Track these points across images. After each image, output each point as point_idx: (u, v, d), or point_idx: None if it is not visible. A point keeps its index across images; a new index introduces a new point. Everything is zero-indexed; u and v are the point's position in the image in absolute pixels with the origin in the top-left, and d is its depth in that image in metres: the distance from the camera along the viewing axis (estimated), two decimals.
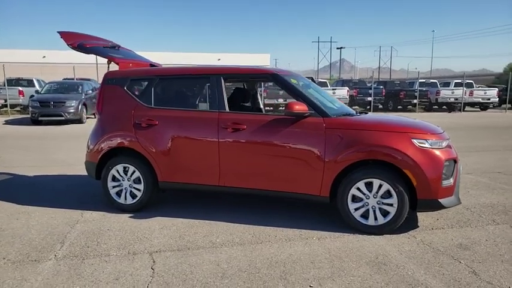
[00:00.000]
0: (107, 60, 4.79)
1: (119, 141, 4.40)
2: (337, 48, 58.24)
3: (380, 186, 3.72)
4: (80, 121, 15.43)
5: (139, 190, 4.41)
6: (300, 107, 3.83)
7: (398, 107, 22.02)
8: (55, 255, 3.35)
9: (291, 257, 3.30)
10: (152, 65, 5.18)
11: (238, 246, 3.54)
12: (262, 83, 15.83)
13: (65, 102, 15.07)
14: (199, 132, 4.18)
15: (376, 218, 3.77)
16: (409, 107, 22.12)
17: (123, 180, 4.45)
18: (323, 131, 3.83)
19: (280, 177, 3.99)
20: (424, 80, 25.00)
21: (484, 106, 22.91)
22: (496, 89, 22.92)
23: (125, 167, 4.42)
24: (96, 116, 4.74)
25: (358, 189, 3.78)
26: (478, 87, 24.33)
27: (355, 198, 3.82)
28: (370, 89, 21.73)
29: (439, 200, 3.67)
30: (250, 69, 4.46)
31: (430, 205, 3.70)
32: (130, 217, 4.31)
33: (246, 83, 5.41)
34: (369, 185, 3.76)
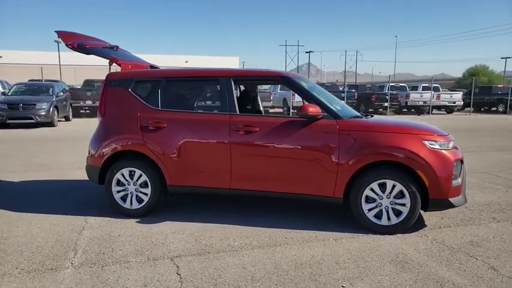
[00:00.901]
0: (108, 61, 4.65)
1: (125, 144, 4.28)
2: (306, 52, 58.96)
3: (393, 186, 3.80)
4: (51, 124, 14.87)
5: (146, 194, 4.30)
6: (313, 109, 3.87)
7: (370, 109, 22.58)
8: (71, 263, 3.21)
9: (314, 258, 3.32)
10: (152, 66, 5.07)
11: (258, 249, 3.52)
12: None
13: (35, 105, 14.50)
14: (210, 135, 4.13)
15: (389, 218, 3.86)
16: (380, 109, 22.73)
17: (129, 185, 4.32)
18: (337, 133, 3.88)
19: (293, 180, 4.00)
20: (394, 84, 25.77)
21: (450, 109, 23.93)
22: (461, 92, 24.00)
23: (130, 171, 4.30)
24: (98, 118, 4.58)
25: (372, 190, 3.85)
26: (442, 91, 25.37)
27: (368, 199, 3.89)
28: (343, 92, 22.18)
29: (450, 199, 3.79)
30: (261, 72, 4.46)
31: (441, 204, 3.83)
32: (137, 222, 4.19)
33: (254, 85, 5.41)
34: (382, 186, 3.84)
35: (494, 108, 25.93)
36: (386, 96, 22.17)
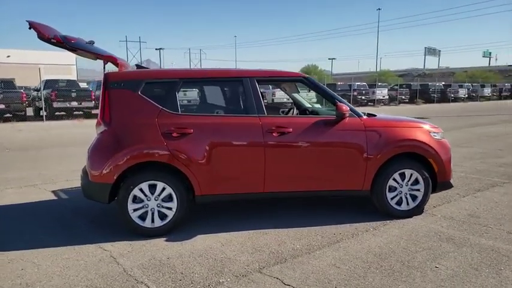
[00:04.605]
0: (103, 60, 3.97)
1: (146, 154, 3.75)
2: (156, 49, 57.75)
3: (411, 175, 4.28)
4: None
5: (170, 209, 3.86)
6: (345, 108, 4.07)
7: None
8: None
9: (383, 248, 3.54)
10: (139, 66, 4.51)
11: (324, 248, 3.57)
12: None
13: None
14: (243, 138, 3.95)
15: (407, 203, 4.33)
16: None
17: (149, 200, 3.81)
18: (363, 130, 4.16)
19: (327, 177, 4.14)
20: None
21: None
22: None
23: (150, 185, 3.80)
24: (100, 127, 3.88)
25: (394, 179, 4.27)
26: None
27: (390, 189, 4.29)
28: None
29: (450, 181, 4.47)
30: (283, 72, 4.43)
31: (445, 186, 4.46)
32: (168, 241, 3.75)
33: (277, 85, 5.35)
34: (401, 175, 4.28)
35: None
36: None
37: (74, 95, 18.74)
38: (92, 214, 4.54)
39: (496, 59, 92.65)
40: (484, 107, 29.68)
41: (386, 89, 31.67)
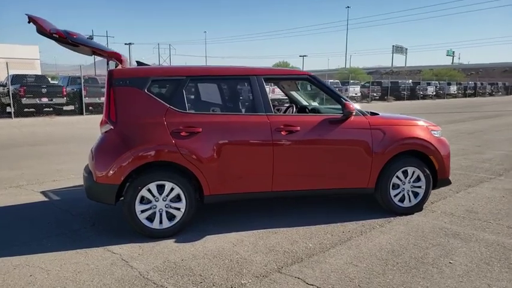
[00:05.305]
0: (107, 57, 3.82)
1: (155, 154, 3.64)
2: (126, 44, 56.39)
3: (413, 172, 4.37)
4: None
5: (178, 209, 3.78)
6: (353, 107, 4.10)
7: None
8: None
9: (394, 245, 3.60)
10: (140, 63, 4.38)
11: (338, 246, 3.59)
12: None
13: None
14: (251, 137, 3.91)
15: (410, 200, 4.42)
16: None
17: (157, 201, 3.71)
18: (369, 128, 4.21)
19: (334, 175, 4.16)
20: None
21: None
22: None
23: (158, 185, 3.70)
24: (106, 126, 3.73)
25: (397, 177, 4.34)
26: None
27: (394, 186, 4.36)
28: None
29: (449, 178, 4.59)
30: (289, 71, 4.42)
31: (444, 182, 4.57)
32: (177, 242, 3.67)
33: (282, 84, 5.34)
34: (404, 173, 4.36)
35: None
36: None
37: (44, 90, 18.03)
38: (90, 216, 4.38)
39: (459, 58, 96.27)
40: (451, 104, 30.74)
41: (359, 87, 32.27)
